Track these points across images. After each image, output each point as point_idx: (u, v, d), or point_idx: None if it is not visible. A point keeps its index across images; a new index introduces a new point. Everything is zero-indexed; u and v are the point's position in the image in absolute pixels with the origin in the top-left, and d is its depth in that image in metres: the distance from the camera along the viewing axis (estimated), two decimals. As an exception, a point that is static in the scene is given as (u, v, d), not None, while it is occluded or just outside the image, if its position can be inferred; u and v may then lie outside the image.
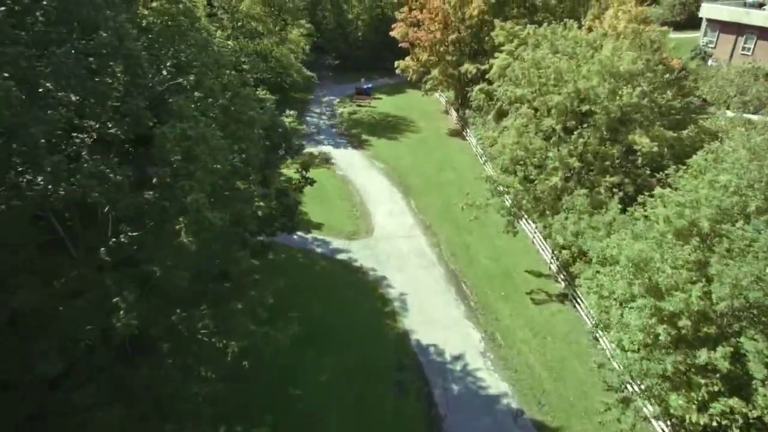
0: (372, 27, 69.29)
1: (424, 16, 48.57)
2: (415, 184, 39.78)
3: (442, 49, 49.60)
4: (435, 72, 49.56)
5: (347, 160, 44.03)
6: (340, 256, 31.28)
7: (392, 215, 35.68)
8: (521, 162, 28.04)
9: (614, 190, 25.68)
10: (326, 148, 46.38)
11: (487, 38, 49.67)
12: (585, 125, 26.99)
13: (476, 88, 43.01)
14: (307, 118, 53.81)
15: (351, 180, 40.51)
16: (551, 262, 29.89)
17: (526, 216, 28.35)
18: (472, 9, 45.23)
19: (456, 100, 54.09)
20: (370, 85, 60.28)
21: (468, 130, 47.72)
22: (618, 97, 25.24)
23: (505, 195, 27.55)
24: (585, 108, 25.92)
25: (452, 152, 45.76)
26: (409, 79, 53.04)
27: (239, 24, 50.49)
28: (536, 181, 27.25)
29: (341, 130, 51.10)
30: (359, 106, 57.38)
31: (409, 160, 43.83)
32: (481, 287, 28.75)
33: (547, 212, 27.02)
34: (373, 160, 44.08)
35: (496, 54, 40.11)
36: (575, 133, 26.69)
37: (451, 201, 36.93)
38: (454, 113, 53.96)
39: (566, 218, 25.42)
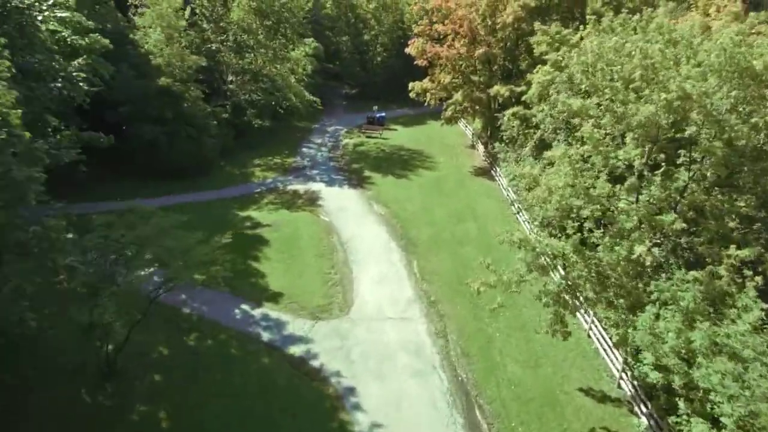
0: (392, 51, 60.89)
1: (447, 27, 39.28)
2: (422, 239, 29.29)
3: (467, 67, 39.96)
4: (458, 96, 39.73)
5: (339, 201, 34.14)
6: (294, 349, 20.79)
7: (383, 282, 25.17)
8: (575, 215, 17.41)
9: (745, 271, 14.63)
10: (316, 186, 36.73)
11: (522, 56, 39.93)
12: (686, 158, 16.25)
13: (509, 112, 32.86)
14: (303, 149, 44.63)
15: (337, 229, 30.42)
16: (622, 377, 18.59)
17: (584, 304, 17.32)
18: (506, 16, 35.60)
19: (484, 131, 43.93)
20: (383, 114, 51.00)
21: (497, 168, 37.28)
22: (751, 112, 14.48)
23: (551, 268, 16.78)
24: (690, 130, 15.20)
25: (475, 196, 35.23)
26: (426, 104, 43.42)
27: (225, 36, 42.50)
28: (601, 249, 16.45)
29: (340, 164, 41.54)
30: (368, 137, 47.99)
31: (419, 205, 33.52)
32: (507, 419, 17.61)
33: (621, 303, 16.02)
34: (373, 203, 34.00)
35: (536, 70, 30.02)
36: (665, 170, 16.02)
37: (468, 265, 26.21)
38: (481, 147, 43.69)
39: (662, 319, 14.37)
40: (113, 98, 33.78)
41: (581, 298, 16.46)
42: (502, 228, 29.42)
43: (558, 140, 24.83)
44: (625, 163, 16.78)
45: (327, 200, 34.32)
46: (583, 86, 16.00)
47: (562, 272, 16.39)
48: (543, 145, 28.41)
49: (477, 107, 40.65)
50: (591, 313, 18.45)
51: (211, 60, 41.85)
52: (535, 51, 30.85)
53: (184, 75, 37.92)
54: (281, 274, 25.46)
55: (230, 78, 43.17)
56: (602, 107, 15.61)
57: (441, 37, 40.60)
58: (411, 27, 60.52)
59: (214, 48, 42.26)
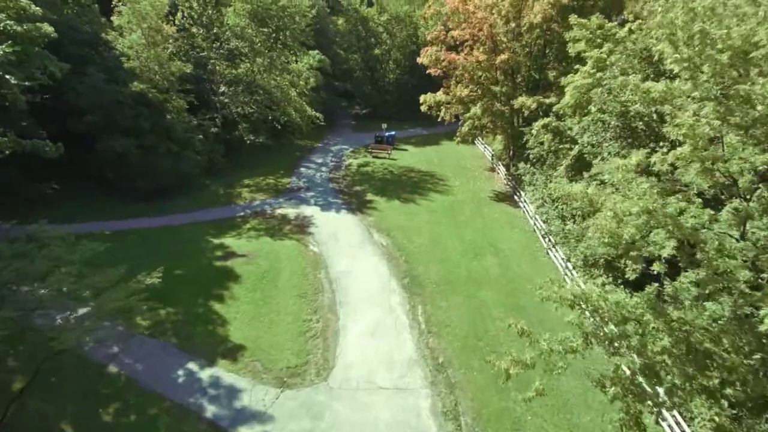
0: (405, 67, 56.44)
1: (464, 33, 34.36)
2: (431, 278, 23.57)
3: (487, 78, 34.84)
4: (476, 109, 34.50)
5: (334, 228, 28.75)
6: (247, 430, 15.09)
7: (378, 334, 19.42)
8: (647, 252, 11.71)
9: None
10: (310, 210, 31.46)
11: (551, 63, 34.73)
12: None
13: (538, 123, 27.47)
14: (302, 169, 39.65)
15: (327, 262, 24.91)
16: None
17: (672, 396, 11.33)
18: (533, 16, 30.55)
19: (505, 150, 38.56)
20: (392, 134, 46.01)
21: (521, 193, 31.63)
22: None
23: (620, 338, 10.96)
24: None
25: (496, 226, 29.53)
26: (440, 121, 38.29)
27: (217, 43, 38.26)
28: (688, 306, 10.66)
29: (341, 186, 36.31)
30: (375, 157, 42.90)
31: (427, 236, 27.91)
32: None
33: (734, 395, 10.11)
34: (373, 232, 28.52)
35: (571, 74, 24.64)
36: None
37: (488, 313, 20.42)
38: (502, 169, 38.17)
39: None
40: (81, 105, 29.42)
41: (665, 387, 10.57)
42: (532, 268, 23.97)
43: (607, 154, 19.16)
44: (730, 179, 11.09)
45: (319, 227, 28.96)
46: (668, 61, 10.53)
47: (636, 343, 10.59)
48: (581, 165, 22.83)
49: (498, 122, 35.33)
50: (680, 409, 12.41)
51: (200, 68, 37.57)
52: (570, 50, 25.51)
53: (165, 83, 33.51)
54: (247, 321, 19.92)
55: (222, 89, 38.74)
56: (703, 91, 10.09)
57: (457, 44, 35.72)
58: (424, 41, 56.33)
59: (204, 55, 38.00)
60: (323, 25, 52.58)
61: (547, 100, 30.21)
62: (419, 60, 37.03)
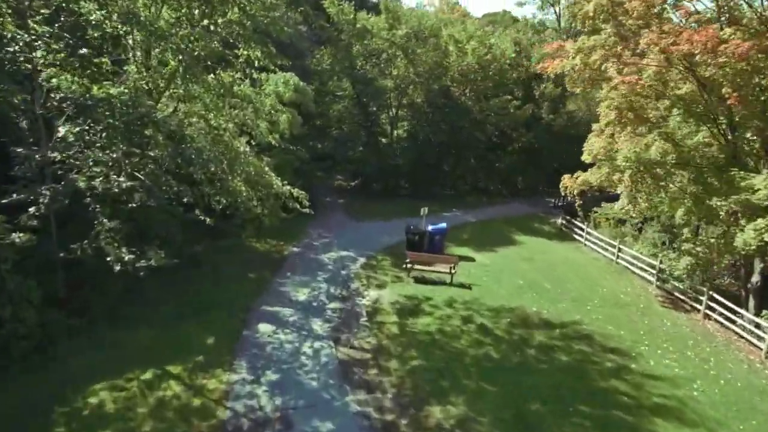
0: (427, 113, 35.44)
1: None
2: None
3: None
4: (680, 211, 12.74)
5: None
6: None
7: None
8: None
9: None
10: None
11: None
12: None
13: None
14: (262, 338, 15.35)
15: None
16: None
17: None
18: None
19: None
20: (443, 227, 23.55)
21: None
22: None
23: None
24: None
25: None
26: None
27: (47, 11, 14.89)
28: None
29: (359, 374, 12.89)
30: (420, 279, 19.92)
31: None
32: None
33: None
34: None
35: None
36: None
37: None
38: (749, 315, 16.16)
39: None
40: None
41: None
42: None
43: None
44: None
45: None
46: None
47: None
48: None
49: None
50: None
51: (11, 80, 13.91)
52: None
53: None
54: None
55: (60, 130, 14.81)
56: None
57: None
58: (454, 74, 35.57)
59: (20, 55, 14.24)
60: (299, 59, 30.22)
61: None
62: (583, 157, 17.04)
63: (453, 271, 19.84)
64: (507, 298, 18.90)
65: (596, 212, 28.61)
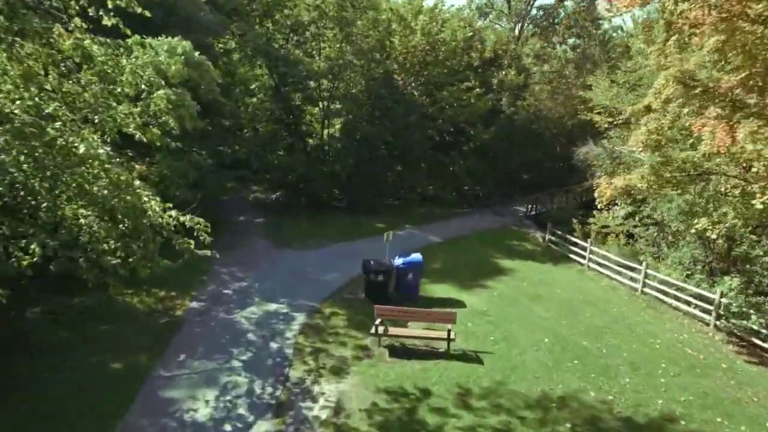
0: (368, 105, 28.05)
1: None
2: None
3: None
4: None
5: None
6: None
7: None
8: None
9: None
10: None
11: None
12: None
13: None
14: None
15: None
16: None
17: None
18: None
19: None
20: (417, 259, 16.08)
21: None
22: None
23: None
24: None
25: None
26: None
27: None
28: None
29: None
30: (394, 347, 12.33)
31: None
32: None
33: None
34: None
35: None
36: None
37: None
38: None
39: None
40: None
41: None
42: None
43: None
44: None
45: None
46: None
47: None
48: None
49: None
50: None
51: None
52: None
53: None
54: None
55: None
56: None
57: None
58: (398, 56, 28.71)
59: None
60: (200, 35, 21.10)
61: None
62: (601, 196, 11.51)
63: (452, 338, 12.46)
64: (541, 373, 11.91)
65: (593, 223, 22.73)
